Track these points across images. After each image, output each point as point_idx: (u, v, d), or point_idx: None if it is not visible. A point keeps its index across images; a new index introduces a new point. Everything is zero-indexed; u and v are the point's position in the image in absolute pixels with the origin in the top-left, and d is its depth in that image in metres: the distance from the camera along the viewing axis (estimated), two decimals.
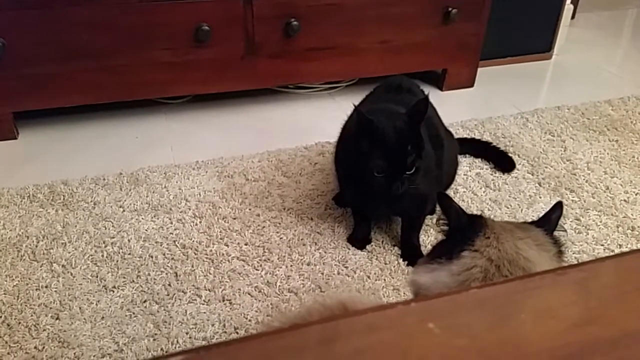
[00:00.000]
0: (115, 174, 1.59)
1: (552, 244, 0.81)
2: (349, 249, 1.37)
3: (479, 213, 0.93)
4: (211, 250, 1.34)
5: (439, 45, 2.01)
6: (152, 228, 1.40)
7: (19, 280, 1.25)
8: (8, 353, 1.09)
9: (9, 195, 1.50)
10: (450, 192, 1.53)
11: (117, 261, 1.30)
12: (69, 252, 1.32)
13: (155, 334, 1.13)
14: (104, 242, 1.35)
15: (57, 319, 1.16)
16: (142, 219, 1.43)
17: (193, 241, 1.37)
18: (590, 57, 2.45)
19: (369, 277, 1.29)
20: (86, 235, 1.37)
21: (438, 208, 1.34)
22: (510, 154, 1.69)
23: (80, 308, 1.19)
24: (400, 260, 1.33)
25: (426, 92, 1.36)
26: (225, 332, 1.15)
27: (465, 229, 0.82)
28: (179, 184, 1.56)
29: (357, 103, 1.26)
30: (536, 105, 2.02)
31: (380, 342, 0.38)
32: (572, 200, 1.53)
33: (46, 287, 1.23)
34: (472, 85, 2.15)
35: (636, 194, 1.56)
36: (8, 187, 1.52)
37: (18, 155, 1.71)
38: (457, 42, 2.02)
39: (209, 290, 1.24)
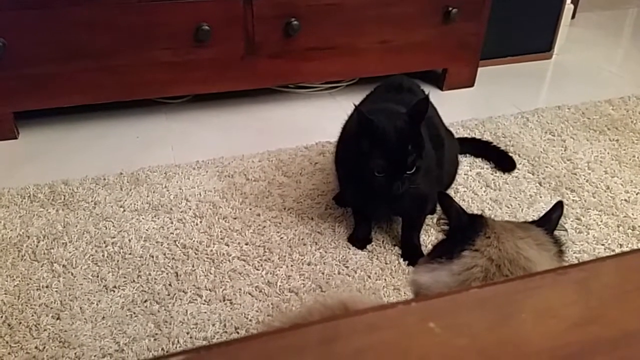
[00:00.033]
0: (115, 174, 1.59)
1: (553, 244, 0.81)
2: (349, 248, 1.37)
3: (479, 213, 0.93)
4: (212, 250, 1.34)
5: (439, 45, 2.01)
6: (153, 228, 1.40)
7: (19, 280, 1.25)
8: (9, 353, 1.09)
9: (10, 195, 1.50)
10: (450, 191, 1.53)
11: (118, 261, 1.30)
12: (70, 252, 1.32)
13: (156, 334, 1.14)
14: (104, 242, 1.35)
15: (57, 319, 1.16)
16: (143, 218, 1.43)
17: (194, 241, 1.37)
18: (590, 57, 2.45)
19: (369, 276, 1.29)
20: (87, 235, 1.37)
21: (438, 208, 1.34)
22: (510, 154, 1.69)
23: (81, 308, 1.19)
24: (401, 260, 1.33)
25: (426, 92, 1.36)
26: (226, 332, 1.15)
27: (466, 229, 0.82)
28: (179, 183, 1.56)
29: (357, 103, 1.26)
30: (536, 105, 2.02)
31: (381, 341, 0.38)
32: (573, 200, 1.53)
33: (47, 287, 1.23)
34: (472, 85, 2.15)
35: (637, 194, 1.56)
36: (9, 187, 1.52)
37: (18, 155, 1.71)
38: (457, 41, 2.02)
39: (209, 290, 1.24)
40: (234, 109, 1.97)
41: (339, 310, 0.73)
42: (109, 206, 1.47)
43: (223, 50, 1.79)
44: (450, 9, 1.92)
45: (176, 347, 1.12)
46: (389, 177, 1.19)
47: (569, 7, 2.36)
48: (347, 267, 1.31)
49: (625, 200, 1.54)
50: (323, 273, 1.29)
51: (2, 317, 1.16)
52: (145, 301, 1.21)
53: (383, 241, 1.39)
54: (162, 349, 1.11)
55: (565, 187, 1.58)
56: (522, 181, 1.61)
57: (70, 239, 1.36)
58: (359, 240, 1.38)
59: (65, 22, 1.63)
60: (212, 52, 1.78)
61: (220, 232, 1.40)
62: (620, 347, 0.39)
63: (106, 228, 1.40)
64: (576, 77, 2.28)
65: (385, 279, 1.28)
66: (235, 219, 1.44)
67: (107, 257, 1.32)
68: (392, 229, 1.44)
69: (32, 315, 1.17)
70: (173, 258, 1.32)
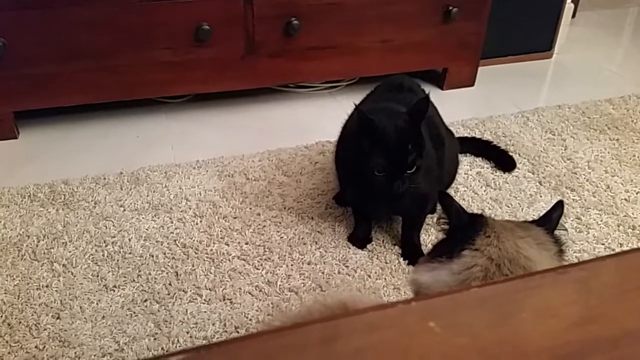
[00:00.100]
0: (115, 174, 1.59)
1: (553, 243, 0.81)
2: (349, 248, 1.37)
3: (479, 212, 0.93)
4: (212, 250, 1.34)
5: (439, 44, 2.01)
6: (153, 227, 1.40)
7: (19, 280, 1.25)
8: (9, 352, 1.09)
9: (10, 194, 1.50)
10: (450, 191, 1.53)
11: (118, 260, 1.30)
12: (70, 252, 1.32)
13: (156, 333, 1.14)
14: (104, 242, 1.35)
15: (57, 318, 1.16)
16: (143, 218, 1.43)
17: (194, 240, 1.37)
18: (591, 56, 2.45)
19: (369, 276, 1.29)
20: (87, 235, 1.37)
21: (438, 207, 1.34)
22: (510, 153, 1.69)
23: (80, 307, 1.19)
24: (401, 260, 1.33)
25: (427, 91, 1.36)
26: (226, 331, 1.15)
27: (466, 228, 0.82)
28: (179, 183, 1.56)
29: (357, 102, 1.26)
30: (537, 104, 2.02)
31: (381, 341, 0.38)
32: (573, 199, 1.53)
33: (47, 286, 1.23)
34: (472, 84, 2.15)
35: (637, 193, 1.56)
36: (9, 186, 1.52)
37: (19, 155, 1.71)
38: (457, 41, 2.02)
39: (209, 289, 1.24)
40: (234, 109, 1.97)
41: (339, 310, 0.73)
42: (109, 206, 1.47)
43: (223, 49, 1.79)
44: (450, 8, 1.92)
45: (176, 347, 1.12)
46: (389, 177, 1.19)
47: (569, 6, 2.36)
48: (347, 266, 1.31)
49: (626, 199, 1.54)
50: (323, 272, 1.29)
51: (2, 316, 1.16)
52: (145, 300, 1.21)
53: (383, 240, 1.39)
54: (162, 348, 1.12)
55: (565, 186, 1.58)
56: (522, 180, 1.61)
57: (70, 238, 1.36)
58: (359, 239, 1.38)
59: (65, 22, 1.63)
60: (212, 52, 1.78)
61: (220, 231, 1.40)
62: (620, 347, 0.39)
63: (106, 227, 1.40)
64: (576, 77, 2.27)
65: (385, 279, 1.28)
66: (235, 218, 1.44)
67: (107, 256, 1.32)
68: (392, 229, 1.44)
69: (32, 315, 1.17)
70: (173, 257, 1.32)
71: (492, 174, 1.63)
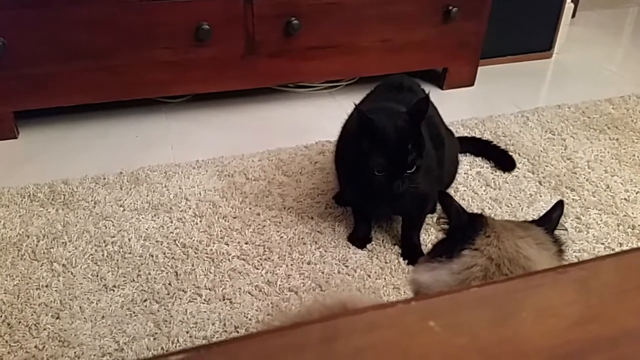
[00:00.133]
0: (115, 173, 1.59)
1: (553, 243, 0.81)
2: (349, 248, 1.37)
3: (479, 212, 0.93)
4: (211, 250, 1.34)
5: (439, 44, 2.01)
6: (153, 227, 1.40)
7: (19, 280, 1.25)
8: (8, 352, 1.09)
9: (10, 194, 1.50)
10: (450, 190, 1.53)
11: (118, 260, 1.30)
12: (70, 252, 1.32)
13: (156, 333, 1.13)
14: (104, 242, 1.35)
15: (57, 318, 1.16)
16: (143, 218, 1.43)
17: (193, 240, 1.37)
18: (590, 56, 2.45)
19: (369, 276, 1.29)
20: (86, 235, 1.37)
21: (438, 207, 1.34)
22: (510, 153, 1.69)
23: (80, 307, 1.19)
24: (401, 259, 1.33)
25: (427, 91, 1.36)
26: (226, 331, 1.15)
27: (466, 228, 0.82)
28: (179, 183, 1.56)
29: (357, 102, 1.26)
30: (537, 104, 2.02)
31: (381, 340, 0.38)
32: (573, 199, 1.53)
33: (46, 286, 1.23)
34: (472, 84, 2.15)
35: (636, 193, 1.56)
36: (8, 186, 1.52)
37: (18, 155, 1.71)
38: (457, 40, 2.02)
39: (209, 289, 1.24)
40: (233, 109, 1.97)
41: (339, 310, 0.73)
42: (109, 205, 1.47)
43: (223, 49, 1.79)
44: (450, 8, 1.92)
45: (176, 346, 1.12)
46: (389, 176, 1.19)
47: (569, 6, 2.36)
48: (346, 266, 1.31)
49: (625, 199, 1.54)
50: (323, 272, 1.29)
51: (1, 316, 1.16)
52: (145, 300, 1.21)
53: (383, 240, 1.39)
54: (162, 348, 1.11)
55: (565, 186, 1.58)
56: (522, 180, 1.61)
57: (70, 238, 1.36)
58: (358, 239, 1.38)
59: (65, 22, 1.63)
60: (212, 52, 1.78)
61: (220, 231, 1.39)
62: (620, 346, 0.39)
63: (106, 227, 1.40)
64: (576, 76, 2.28)
65: (385, 278, 1.28)
66: (235, 218, 1.44)
67: (107, 256, 1.31)
68: (392, 228, 1.44)
69: (32, 315, 1.17)
70: (173, 257, 1.32)
71: (492, 173, 1.63)
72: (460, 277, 0.76)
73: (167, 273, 1.27)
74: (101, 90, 1.75)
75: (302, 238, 1.38)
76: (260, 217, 1.45)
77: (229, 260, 1.31)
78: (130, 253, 1.32)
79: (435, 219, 1.42)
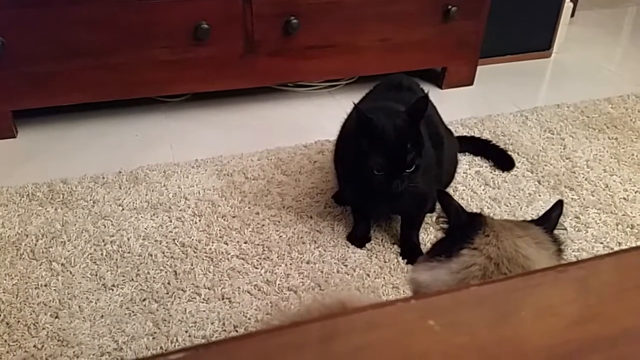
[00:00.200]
0: (114, 173, 1.59)
1: (552, 242, 0.81)
2: (348, 247, 1.37)
3: (478, 211, 0.93)
4: (210, 249, 1.34)
5: (438, 43, 2.01)
6: (152, 226, 1.40)
7: (18, 279, 1.25)
8: (7, 352, 1.09)
9: (8, 193, 1.49)
10: (450, 190, 1.53)
11: (117, 260, 1.30)
12: (68, 251, 1.32)
13: (155, 333, 1.13)
14: (103, 241, 1.35)
15: (56, 317, 1.16)
16: (142, 217, 1.43)
17: (192, 239, 1.37)
18: (589, 55, 2.45)
19: (368, 275, 1.29)
20: (85, 234, 1.37)
21: (437, 206, 1.34)
22: (509, 152, 1.69)
23: (79, 307, 1.19)
24: (400, 259, 1.33)
25: (426, 90, 1.36)
26: (225, 330, 1.15)
27: (465, 227, 0.82)
28: (178, 182, 1.56)
29: (356, 101, 1.26)
30: (536, 104, 2.02)
31: (380, 339, 0.38)
32: (572, 199, 1.53)
33: (45, 285, 1.23)
34: (471, 84, 2.15)
35: (635, 192, 1.56)
36: (7, 185, 1.52)
37: (17, 154, 1.71)
38: (456, 40, 2.02)
39: (208, 288, 1.24)
40: (233, 108, 1.96)
41: (338, 309, 0.73)
42: (108, 205, 1.47)
43: (222, 48, 1.79)
44: (449, 7, 1.92)
45: (175, 346, 1.12)
46: (388, 176, 1.19)
47: (568, 5, 2.36)
48: (346, 265, 1.31)
49: (624, 198, 1.54)
50: (322, 271, 1.29)
51: (0, 315, 1.16)
52: (144, 300, 1.21)
53: (382, 240, 1.39)
54: (161, 347, 1.11)
55: (564, 185, 1.58)
56: (521, 180, 1.61)
57: (69, 237, 1.36)
58: (358, 238, 1.38)
59: (64, 21, 1.63)
60: (211, 51, 1.78)
61: (219, 230, 1.39)
62: (619, 345, 0.39)
63: (105, 227, 1.40)
64: (575, 76, 2.28)
65: (384, 278, 1.28)
66: (234, 217, 1.44)
67: (106, 255, 1.31)
68: (391, 228, 1.44)
69: (31, 314, 1.17)
70: (172, 257, 1.32)
71: (491, 173, 1.63)
72: (459, 277, 0.76)
73: (166, 272, 1.27)
74: (100, 89, 1.75)
75: (301, 237, 1.38)
76: (259, 216, 1.45)
77: (228, 259, 1.31)
78: (129, 252, 1.32)
79: (434, 218, 1.42)
